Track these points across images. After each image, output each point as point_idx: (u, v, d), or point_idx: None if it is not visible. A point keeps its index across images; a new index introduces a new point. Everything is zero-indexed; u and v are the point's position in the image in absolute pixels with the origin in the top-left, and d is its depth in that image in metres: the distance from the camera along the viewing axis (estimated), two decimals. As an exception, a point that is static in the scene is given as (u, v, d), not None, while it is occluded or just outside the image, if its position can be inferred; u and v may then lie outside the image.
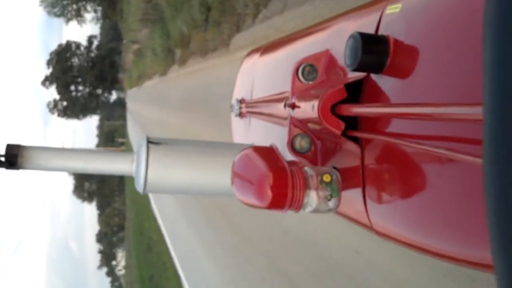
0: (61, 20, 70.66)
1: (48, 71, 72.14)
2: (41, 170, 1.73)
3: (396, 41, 1.25)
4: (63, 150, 1.79)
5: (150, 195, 25.46)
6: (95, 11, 70.39)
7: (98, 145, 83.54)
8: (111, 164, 1.80)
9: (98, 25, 74.38)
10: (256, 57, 2.67)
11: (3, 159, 1.62)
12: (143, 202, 32.74)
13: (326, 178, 1.31)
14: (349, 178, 1.42)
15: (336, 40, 1.58)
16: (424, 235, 1.21)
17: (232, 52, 10.40)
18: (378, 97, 1.30)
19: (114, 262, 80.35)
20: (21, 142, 1.67)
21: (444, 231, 1.12)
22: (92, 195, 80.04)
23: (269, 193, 1.30)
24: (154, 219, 24.32)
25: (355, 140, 1.39)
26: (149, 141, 1.77)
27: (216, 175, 1.78)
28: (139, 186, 1.77)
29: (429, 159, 1.12)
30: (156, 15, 22.53)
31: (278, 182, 1.30)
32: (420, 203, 1.19)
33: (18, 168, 1.66)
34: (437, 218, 1.14)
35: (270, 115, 2.06)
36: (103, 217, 77.22)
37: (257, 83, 2.49)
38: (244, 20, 9.45)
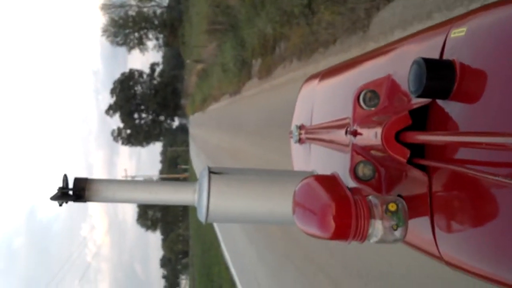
0: (124, 49, 68.56)
1: (112, 100, 70.01)
2: (107, 202, 1.77)
3: (463, 65, 1.19)
4: (128, 182, 1.84)
5: (221, 238, 23.06)
6: (157, 38, 69.27)
7: (161, 171, 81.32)
8: (174, 195, 1.82)
9: (160, 53, 72.74)
10: (315, 82, 2.60)
11: (71, 192, 1.69)
12: (209, 239, 28.02)
13: (392, 207, 1.25)
14: (416, 206, 1.35)
15: (398, 64, 1.52)
16: (499, 267, 1.12)
17: (377, 37, 6.30)
18: (445, 123, 1.25)
19: None
20: (92, 173, 1.87)
21: None
22: (156, 223, 77.12)
23: (332, 224, 1.25)
24: (226, 267, 20.40)
25: (421, 167, 1.33)
26: (211, 171, 1.79)
27: (277, 204, 1.76)
28: (201, 216, 1.78)
29: (502, 188, 1.05)
30: (226, 22, 17.66)
31: (341, 212, 1.25)
32: (493, 233, 1.11)
33: (85, 201, 1.73)
34: None
35: (330, 141, 2.00)
36: (167, 243, 76.46)
37: (316, 108, 2.43)
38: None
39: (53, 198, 1.68)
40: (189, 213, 56.93)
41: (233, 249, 18.65)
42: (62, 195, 1.69)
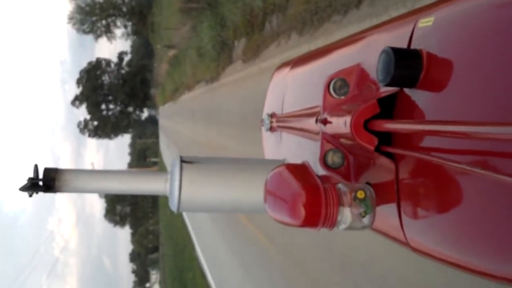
0: (92, 38, 65.64)
1: (78, 90, 66.45)
2: (78, 192, 1.77)
3: (429, 55, 1.23)
4: (98, 172, 1.82)
5: (196, 241, 20.52)
6: (125, 26, 65.67)
7: (130, 164, 78.68)
8: (145, 184, 1.80)
9: (129, 41, 69.45)
10: (286, 70, 2.60)
11: (41, 183, 1.68)
12: (182, 240, 25.88)
13: (360, 194, 1.28)
14: (384, 193, 1.39)
15: (367, 54, 1.54)
16: (462, 252, 1.17)
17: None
18: (412, 112, 1.29)
19: (148, 284, 77.34)
20: (58, 166, 1.75)
21: (483, 248, 1.09)
22: (124, 219, 74.19)
23: (302, 211, 1.28)
24: (201, 274, 18.23)
25: (389, 155, 1.36)
26: (182, 160, 1.78)
27: (249, 192, 1.77)
28: (173, 205, 1.77)
29: (466, 175, 1.09)
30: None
31: (311, 200, 1.28)
32: (457, 219, 1.16)
33: (55, 191, 1.72)
34: (475, 235, 1.11)
35: (301, 129, 2.01)
36: (136, 237, 72.22)
37: (287, 97, 2.43)
38: None
39: (23, 188, 1.65)
40: (159, 207, 54.44)
41: (211, 255, 16.55)
42: (32, 186, 1.65)
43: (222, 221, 14.05)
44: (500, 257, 1.02)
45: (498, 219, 1.00)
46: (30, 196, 1.67)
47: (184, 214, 24.69)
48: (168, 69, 39.05)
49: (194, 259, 20.75)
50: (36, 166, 1.66)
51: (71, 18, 63.45)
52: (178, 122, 34.26)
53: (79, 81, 69.95)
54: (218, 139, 15.26)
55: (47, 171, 1.69)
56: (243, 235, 11.44)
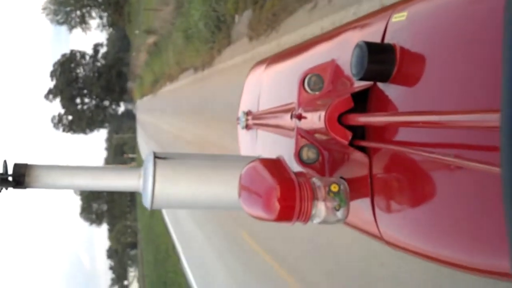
0: (67, 30, 61.97)
1: (52, 83, 62.58)
2: (48, 188, 1.69)
3: (402, 49, 1.23)
4: (69, 168, 1.73)
5: (181, 250, 17.74)
6: (101, 17, 61.49)
7: (107, 159, 74.81)
8: (118, 181, 1.73)
9: (104, 33, 65.67)
10: (262, 69, 2.58)
11: (10, 178, 1.60)
12: (164, 246, 23.60)
13: (334, 188, 1.26)
14: (358, 188, 1.38)
15: (342, 50, 1.54)
16: (435, 244, 1.17)
17: None
18: (385, 105, 1.28)
19: (126, 282, 75.49)
20: (28, 161, 1.65)
21: (455, 240, 1.10)
22: (101, 217, 70.51)
23: (276, 206, 1.25)
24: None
25: (362, 149, 1.36)
26: (156, 156, 1.71)
27: (223, 188, 1.70)
28: (147, 202, 1.71)
29: (439, 167, 1.10)
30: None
31: (285, 194, 1.25)
32: (430, 212, 1.16)
33: (25, 187, 1.64)
34: (448, 227, 1.11)
35: (276, 126, 2.00)
36: (114, 234, 68.77)
37: (263, 94, 2.40)
38: None
39: None
40: (137, 205, 51.30)
41: (203, 274, 13.51)
42: (1, 182, 1.59)
43: (217, 232, 11.25)
44: (473, 249, 1.03)
45: (472, 211, 1.00)
46: None
47: (167, 220, 21.73)
48: (146, 59, 36.12)
49: (180, 272, 17.76)
50: (5, 162, 1.61)
51: (44, 8, 61.27)
52: (158, 117, 31.21)
53: (52, 74, 67.44)
54: (211, 137, 12.22)
55: (16, 166, 1.62)
56: (248, 255, 8.84)
